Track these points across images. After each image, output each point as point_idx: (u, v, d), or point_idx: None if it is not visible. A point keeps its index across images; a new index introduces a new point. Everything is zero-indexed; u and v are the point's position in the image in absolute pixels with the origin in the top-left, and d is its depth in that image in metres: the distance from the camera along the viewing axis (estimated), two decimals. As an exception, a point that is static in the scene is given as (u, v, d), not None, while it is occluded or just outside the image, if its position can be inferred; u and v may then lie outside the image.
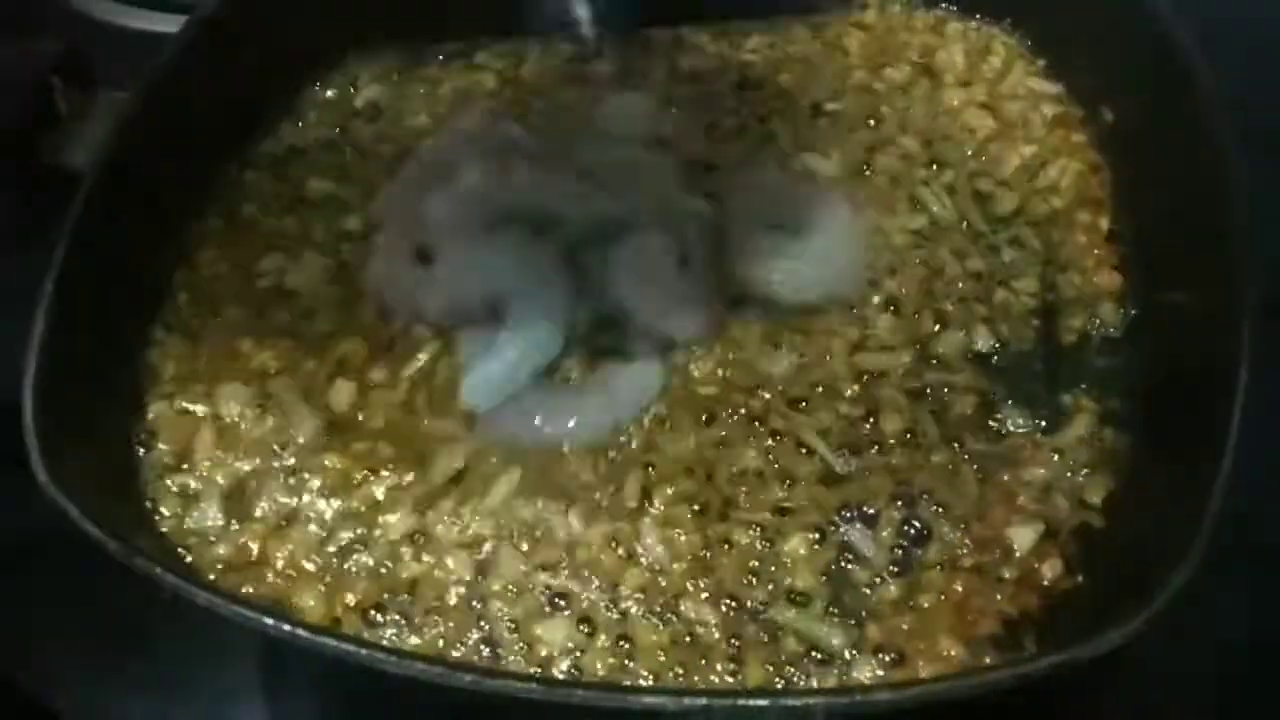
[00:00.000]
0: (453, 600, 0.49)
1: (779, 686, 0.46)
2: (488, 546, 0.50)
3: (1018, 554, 0.50)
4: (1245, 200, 0.51)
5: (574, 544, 0.50)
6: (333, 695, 0.54)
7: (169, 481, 0.52)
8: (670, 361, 0.55)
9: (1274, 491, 0.54)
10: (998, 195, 0.62)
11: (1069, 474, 0.52)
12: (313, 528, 0.51)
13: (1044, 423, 0.54)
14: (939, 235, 0.60)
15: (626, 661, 0.47)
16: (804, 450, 0.53)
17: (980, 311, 0.57)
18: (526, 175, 0.59)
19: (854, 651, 0.47)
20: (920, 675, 0.46)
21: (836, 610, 0.48)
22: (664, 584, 0.49)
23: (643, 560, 0.49)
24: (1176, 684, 0.52)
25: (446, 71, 0.68)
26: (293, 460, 0.53)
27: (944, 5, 0.70)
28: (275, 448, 0.53)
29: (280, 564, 0.50)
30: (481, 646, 0.47)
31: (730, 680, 0.47)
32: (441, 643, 0.48)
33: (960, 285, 0.58)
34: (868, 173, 0.63)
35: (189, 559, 0.50)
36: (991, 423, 0.54)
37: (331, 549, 0.50)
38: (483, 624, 0.48)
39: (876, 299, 0.57)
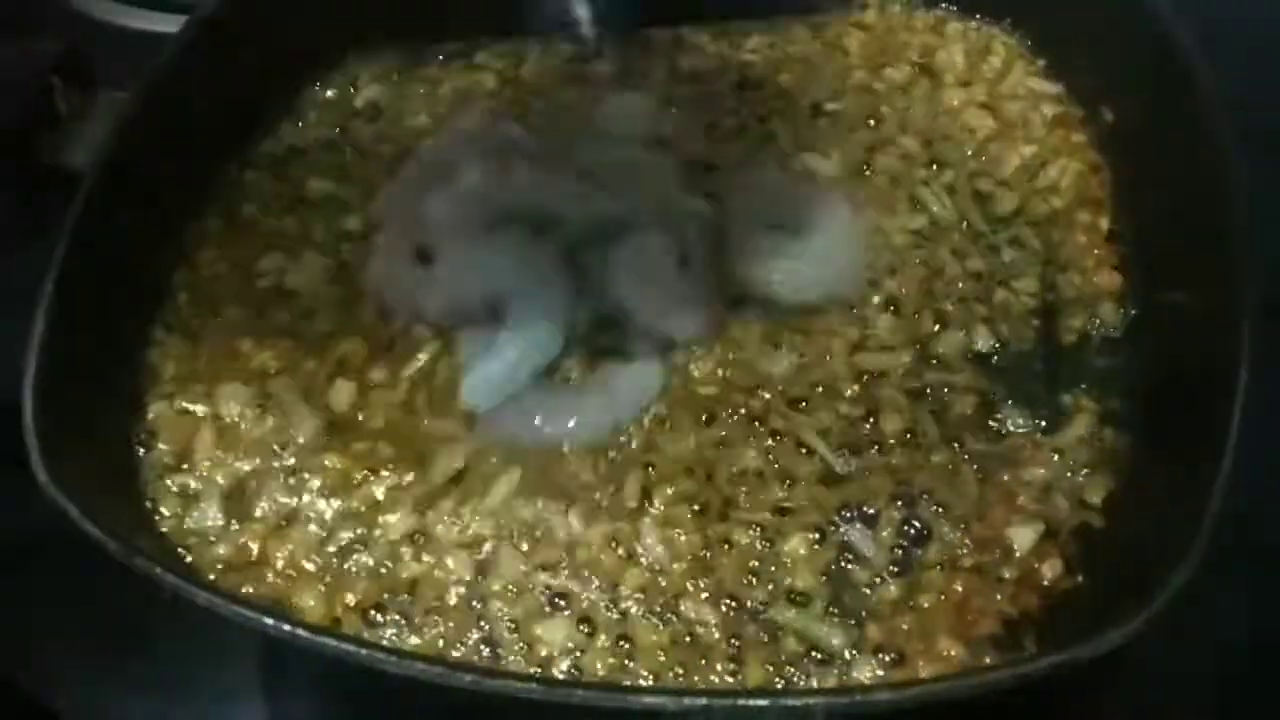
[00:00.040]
0: (453, 600, 0.49)
1: (779, 686, 0.46)
2: (488, 546, 0.50)
3: (1018, 554, 0.50)
4: (1245, 200, 0.51)
5: (574, 544, 0.50)
6: (333, 695, 0.54)
7: (169, 481, 0.52)
8: (670, 361, 0.55)
9: (1274, 491, 0.54)
10: (997, 195, 0.62)
11: (1069, 474, 0.52)
12: (313, 528, 0.51)
13: (1044, 423, 0.54)
14: (939, 235, 0.60)
15: (626, 661, 0.47)
16: (804, 450, 0.53)
17: (980, 311, 0.57)
18: (526, 175, 0.59)
19: (854, 651, 0.47)
20: (920, 675, 0.46)
21: (836, 610, 0.48)
22: (664, 584, 0.49)
23: (643, 560, 0.49)
24: (1176, 684, 0.52)
25: (446, 71, 0.68)
26: (293, 460, 0.53)
27: (944, 5, 0.70)
28: (275, 448, 0.53)
29: (280, 564, 0.50)
30: (481, 646, 0.47)
31: (730, 680, 0.47)
32: (441, 643, 0.48)
33: (960, 285, 0.58)
34: (868, 173, 0.63)
35: (189, 559, 0.50)
36: (991, 423, 0.54)
37: (331, 549, 0.50)
38: (483, 624, 0.48)
39: (876, 299, 0.57)
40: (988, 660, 0.47)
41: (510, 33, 0.68)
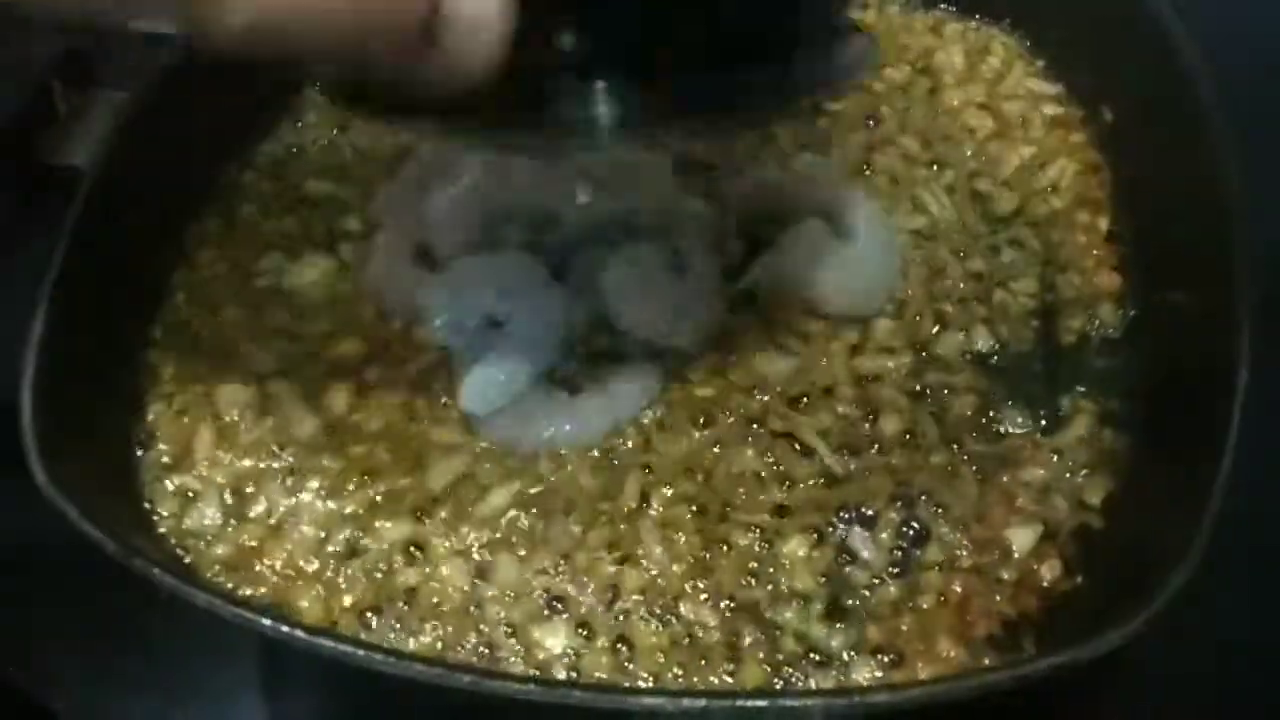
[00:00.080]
0: (450, 604, 0.48)
1: (778, 688, 0.46)
2: (485, 550, 0.50)
3: (1017, 555, 0.49)
4: (1245, 201, 0.51)
5: (572, 547, 0.50)
6: (333, 696, 0.54)
7: (168, 482, 0.52)
8: (669, 363, 0.55)
9: (1274, 492, 0.54)
10: (997, 196, 0.62)
11: (1068, 475, 0.52)
12: (311, 529, 0.51)
13: (1043, 423, 0.54)
14: (939, 236, 0.60)
15: (626, 664, 0.47)
16: (803, 452, 0.52)
17: (980, 312, 0.57)
18: (526, 175, 0.59)
19: (853, 653, 0.47)
20: (919, 676, 0.46)
21: (835, 611, 0.48)
22: (663, 585, 0.49)
23: (642, 562, 0.49)
24: (1176, 685, 0.52)
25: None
26: (291, 461, 0.52)
27: (943, 6, 0.70)
28: (274, 448, 0.53)
29: (279, 565, 0.50)
30: (480, 649, 0.47)
31: (729, 682, 0.46)
32: (440, 645, 0.47)
33: (960, 286, 0.58)
34: (868, 173, 0.63)
35: (187, 559, 0.50)
36: (991, 424, 0.54)
37: (330, 551, 0.50)
38: (481, 627, 0.48)
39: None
40: (987, 661, 0.47)
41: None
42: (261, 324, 0.57)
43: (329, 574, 0.49)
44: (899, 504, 0.51)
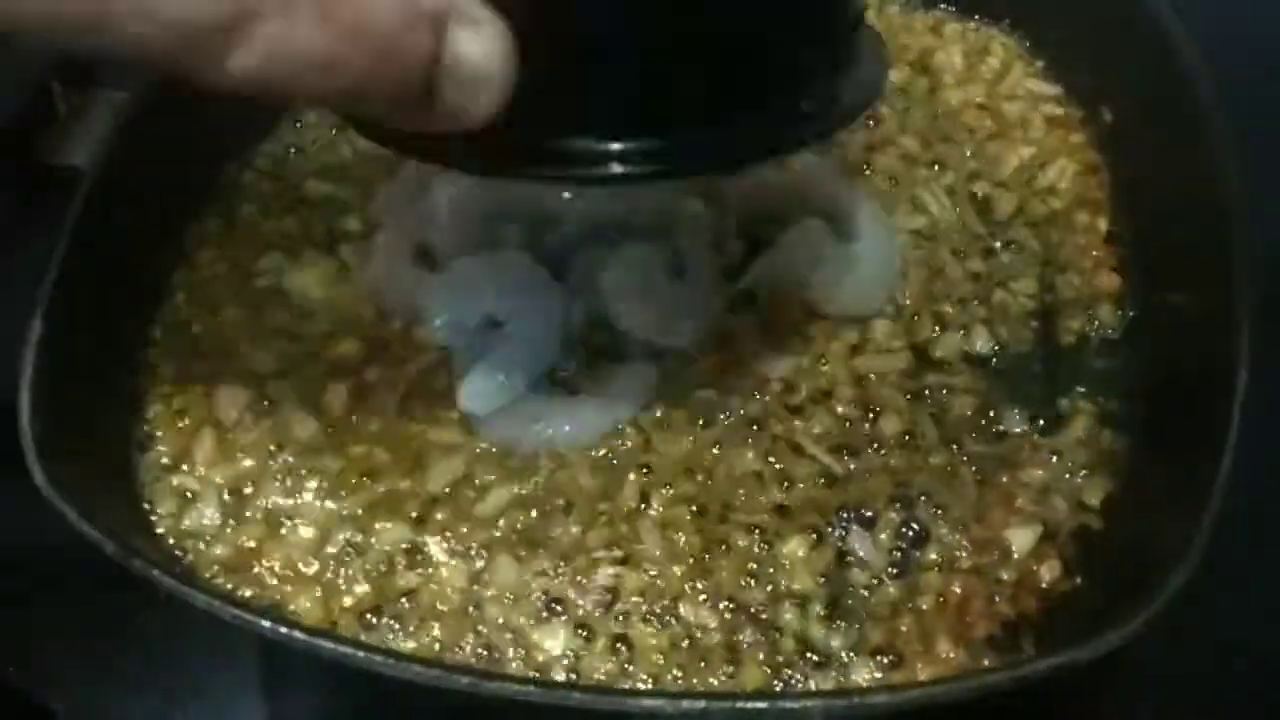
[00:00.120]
0: (450, 605, 0.48)
1: (777, 689, 0.46)
2: (485, 551, 0.50)
3: (1016, 556, 0.49)
4: (1244, 201, 0.51)
5: (572, 548, 0.50)
6: (332, 696, 0.54)
7: (167, 482, 0.52)
8: (668, 363, 0.55)
9: (1274, 492, 0.54)
10: (996, 196, 0.62)
11: (1068, 475, 0.52)
12: (310, 530, 0.51)
13: (1042, 424, 0.54)
14: (938, 236, 0.60)
15: (625, 665, 0.47)
16: (802, 452, 0.52)
17: (979, 313, 0.57)
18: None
19: (852, 654, 0.47)
20: (918, 677, 0.46)
21: (835, 612, 0.48)
22: (662, 586, 0.49)
23: (641, 563, 0.49)
24: (1176, 685, 0.52)
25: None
26: (290, 462, 0.52)
27: (942, 6, 0.70)
28: (273, 448, 0.53)
29: (278, 566, 0.50)
30: (480, 650, 0.47)
31: (729, 683, 0.46)
32: (439, 647, 0.47)
33: (959, 287, 0.58)
34: (867, 173, 0.63)
35: (187, 560, 0.50)
36: (990, 424, 0.54)
37: (329, 552, 0.50)
38: (480, 628, 0.48)
39: (876, 301, 0.57)
40: (986, 662, 0.47)
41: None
42: (261, 324, 0.57)
43: (328, 575, 0.49)
44: (898, 505, 0.51)
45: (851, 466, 0.52)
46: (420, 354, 0.55)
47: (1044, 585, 0.49)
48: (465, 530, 0.50)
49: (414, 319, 0.56)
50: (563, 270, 0.56)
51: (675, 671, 0.47)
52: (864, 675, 0.47)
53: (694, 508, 0.51)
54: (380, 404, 0.54)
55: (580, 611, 0.48)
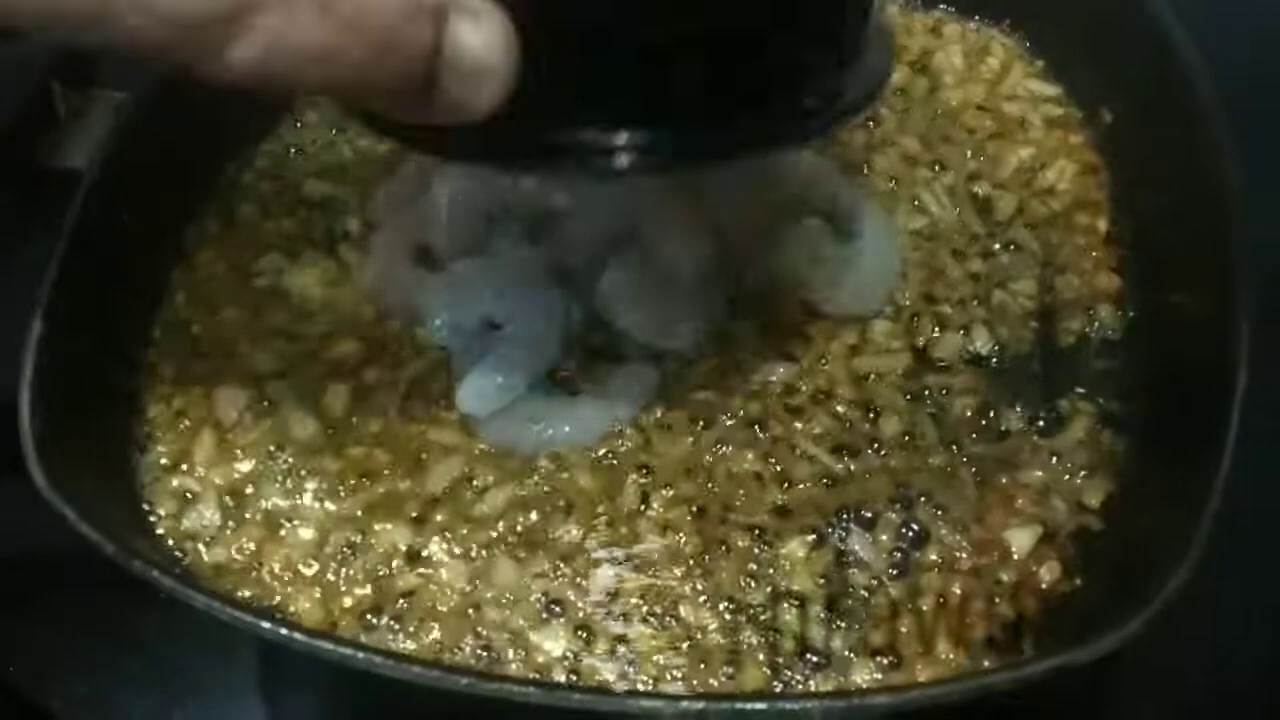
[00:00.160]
0: (449, 606, 0.48)
1: (777, 690, 0.46)
2: (484, 552, 0.50)
3: (1016, 557, 0.49)
4: (1244, 202, 0.51)
5: (571, 549, 0.50)
6: (331, 697, 0.54)
7: (166, 483, 0.52)
8: (668, 363, 0.55)
9: (1273, 492, 0.53)
10: (996, 197, 0.62)
11: (1067, 476, 0.52)
12: (309, 531, 0.51)
13: (1042, 425, 0.54)
14: (938, 237, 0.60)
15: (625, 667, 0.47)
16: (802, 453, 0.52)
17: (979, 313, 0.57)
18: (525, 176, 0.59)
19: (852, 654, 0.47)
20: (918, 678, 0.46)
21: (834, 613, 0.48)
22: (662, 587, 0.49)
23: (641, 564, 0.49)
24: (1175, 686, 0.52)
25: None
26: (290, 462, 0.52)
27: (943, 6, 0.70)
28: (272, 449, 0.53)
29: (277, 567, 0.50)
30: (479, 651, 0.47)
31: (729, 684, 0.46)
32: (438, 648, 0.47)
33: (959, 287, 0.58)
34: (867, 173, 0.63)
35: (186, 561, 0.50)
36: (990, 425, 0.54)
37: (328, 552, 0.50)
38: (480, 630, 0.48)
39: (876, 301, 0.57)
40: (986, 663, 0.47)
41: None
42: (260, 324, 0.57)
43: (328, 576, 0.49)
44: (898, 505, 0.51)
45: (851, 467, 0.52)
46: (419, 355, 0.55)
47: (1044, 586, 0.49)
48: (465, 531, 0.50)
49: (413, 320, 0.56)
50: (561, 271, 0.56)
51: (675, 673, 0.47)
52: (864, 676, 0.47)
53: (694, 508, 0.51)
54: (380, 405, 0.54)
55: (580, 613, 0.48)
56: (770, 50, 0.40)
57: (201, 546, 0.50)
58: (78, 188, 0.53)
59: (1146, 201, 0.59)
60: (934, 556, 0.50)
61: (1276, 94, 0.69)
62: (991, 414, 0.54)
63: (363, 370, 0.55)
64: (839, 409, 0.54)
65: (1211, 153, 0.53)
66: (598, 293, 0.55)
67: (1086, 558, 0.49)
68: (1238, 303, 0.48)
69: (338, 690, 0.53)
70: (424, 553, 0.50)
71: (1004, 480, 0.52)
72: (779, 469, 0.52)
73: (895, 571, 0.49)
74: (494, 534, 0.50)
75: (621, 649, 0.47)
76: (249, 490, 0.52)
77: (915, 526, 0.51)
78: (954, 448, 0.53)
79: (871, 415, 0.54)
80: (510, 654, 0.47)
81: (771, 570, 0.49)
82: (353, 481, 0.52)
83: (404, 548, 0.50)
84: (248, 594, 0.49)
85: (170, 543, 0.50)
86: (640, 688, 0.46)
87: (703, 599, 0.48)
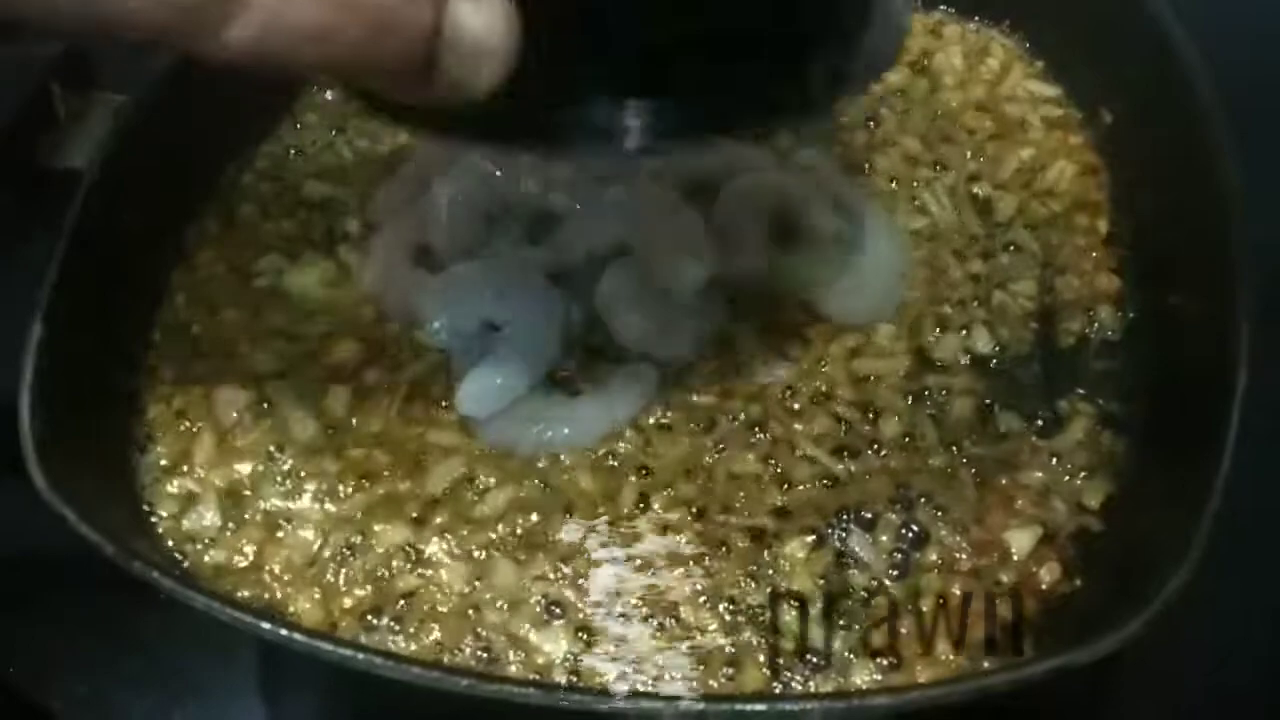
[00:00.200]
0: (450, 607, 0.48)
1: (776, 691, 0.46)
2: (484, 553, 0.50)
3: (1016, 557, 0.49)
4: (1243, 202, 0.51)
5: (571, 550, 0.50)
6: (331, 697, 0.54)
7: (166, 484, 0.52)
8: (668, 366, 0.54)
9: (1273, 494, 0.53)
10: (996, 197, 0.62)
11: (1067, 477, 0.52)
12: (309, 532, 0.51)
13: (1042, 425, 0.54)
14: (938, 237, 0.60)
15: (625, 667, 0.47)
16: (802, 454, 0.52)
17: (979, 314, 0.57)
18: (525, 176, 0.59)
19: (852, 655, 0.47)
20: (918, 679, 0.46)
21: (834, 614, 0.48)
22: (662, 588, 0.49)
23: (641, 564, 0.49)
24: (1175, 687, 0.52)
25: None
26: (290, 464, 0.52)
27: (943, 7, 0.70)
28: (272, 450, 0.53)
29: (277, 568, 0.50)
30: (480, 652, 0.47)
31: (728, 684, 0.46)
32: (439, 649, 0.47)
33: (960, 288, 0.58)
34: (868, 174, 0.63)
35: (186, 562, 0.50)
36: (990, 426, 0.54)
37: (328, 553, 0.50)
38: (480, 630, 0.48)
39: (876, 302, 0.57)
40: (986, 664, 0.47)
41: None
42: (260, 325, 0.57)
43: (328, 577, 0.49)
44: (898, 506, 0.51)
45: (851, 468, 0.52)
46: (419, 356, 0.55)
47: (1043, 587, 0.49)
48: (465, 532, 0.50)
49: (412, 321, 0.56)
50: (561, 273, 0.56)
51: (675, 673, 0.47)
52: (863, 677, 0.47)
53: (694, 509, 0.51)
54: (380, 406, 0.54)
55: (580, 614, 0.48)
56: (771, 19, 0.40)
57: (201, 547, 0.50)
58: (78, 188, 0.53)
59: (1146, 202, 0.59)
60: (934, 557, 0.50)
61: (1276, 94, 0.69)
62: (991, 415, 0.54)
63: (363, 371, 0.55)
64: (839, 410, 0.54)
65: (1211, 153, 0.53)
66: (597, 294, 0.55)
67: (1086, 558, 0.49)
68: (1238, 303, 0.48)
69: (338, 691, 0.53)
70: (424, 554, 0.50)
71: (1004, 481, 0.52)
72: (779, 470, 0.52)
73: (895, 572, 0.49)
74: (494, 535, 0.50)
75: (621, 649, 0.47)
76: (249, 491, 0.52)
77: (915, 527, 0.51)
78: (954, 449, 0.53)
79: (871, 416, 0.54)
80: (510, 655, 0.47)
81: (771, 571, 0.49)
82: (353, 482, 0.52)
83: (404, 549, 0.50)
84: (248, 595, 0.49)
85: (170, 543, 0.50)
86: (640, 688, 0.46)
87: (703, 599, 0.48)
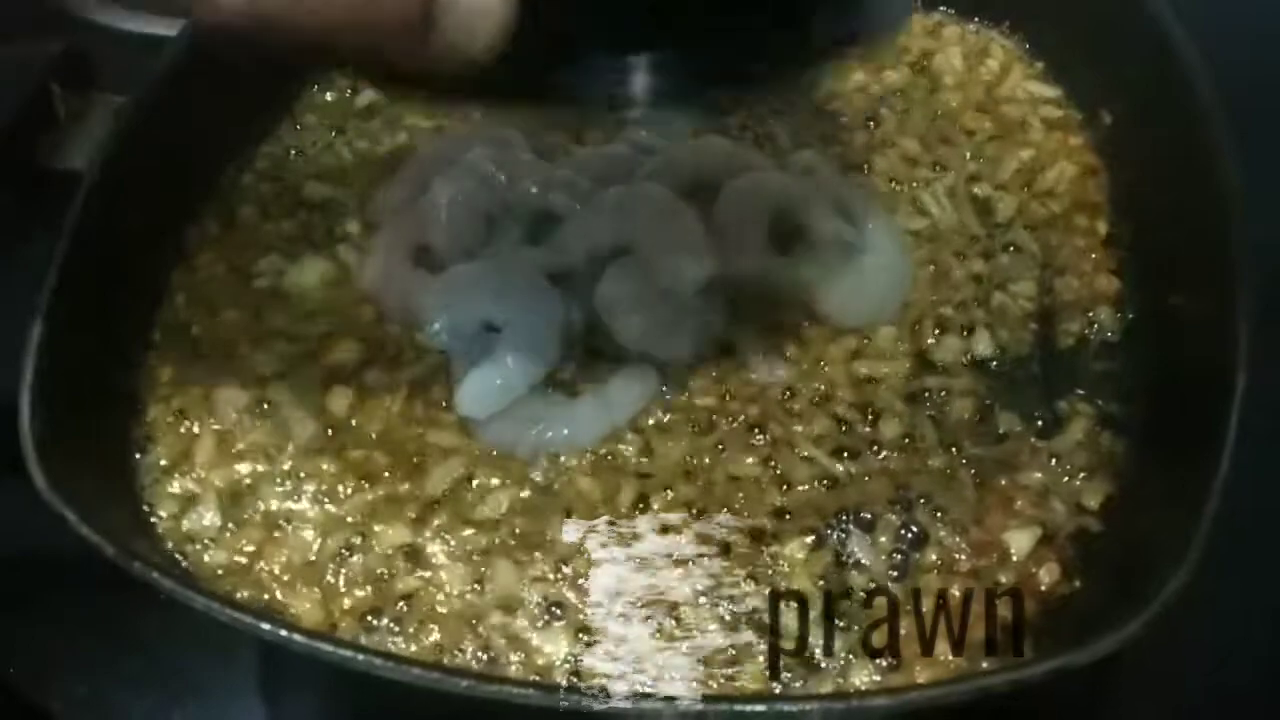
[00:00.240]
0: (449, 608, 0.48)
1: (776, 692, 0.46)
2: (484, 554, 0.50)
3: (1015, 558, 0.49)
4: (1243, 203, 0.51)
5: (571, 551, 0.50)
6: (331, 698, 0.54)
7: (166, 485, 0.52)
8: (668, 367, 0.55)
9: (1272, 494, 0.53)
10: (996, 198, 0.62)
11: (1066, 478, 0.52)
12: (309, 533, 0.51)
13: (1041, 426, 0.54)
14: (938, 238, 0.60)
15: (625, 668, 0.47)
16: (802, 455, 0.52)
17: (979, 316, 0.57)
18: (525, 177, 0.59)
19: (851, 656, 0.47)
20: (917, 680, 0.46)
21: (834, 614, 0.48)
22: (662, 589, 0.49)
23: (640, 566, 0.49)
24: (1174, 688, 0.52)
25: (445, 73, 0.68)
26: (290, 464, 0.52)
27: (942, 8, 0.70)
28: (272, 451, 0.53)
29: (277, 568, 0.50)
30: (479, 653, 0.47)
31: (728, 685, 0.46)
32: (438, 649, 0.47)
33: (960, 289, 0.58)
34: (868, 174, 0.63)
35: (186, 562, 0.50)
36: (989, 427, 0.54)
37: (328, 554, 0.50)
38: (480, 631, 0.48)
39: (875, 303, 0.57)
40: (985, 665, 0.47)
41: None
42: (260, 326, 0.57)
43: (328, 577, 0.50)
44: (898, 507, 0.51)
45: (851, 469, 0.52)
46: (419, 357, 0.56)
47: (1043, 588, 0.49)
48: (464, 533, 0.50)
49: (412, 322, 0.56)
50: (560, 274, 0.56)
51: (675, 673, 0.47)
52: (863, 678, 0.47)
53: (694, 510, 0.51)
54: (379, 407, 0.54)
55: (580, 614, 0.48)
56: None
57: (201, 547, 0.50)
58: (78, 188, 0.53)
59: (1146, 203, 0.59)
60: (933, 558, 0.50)
61: (1276, 94, 0.69)
62: (990, 416, 0.54)
63: (363, 372, 0.55)
64: (839, 411, 0.54)
65: (1211, 153, 0.53)
66: (597, 294, 0.55)
67: (1085, 559, 0.50)
68: (1238, 303, 0.48)
69: (337, 691, 0.53)
70: (424, 554, 0.50)
71: (1003, 482, 0.52)
72: (779, 471, 0.52)
73: (895, 573, 0.49)
74: (494, 536, 0.50)
75: (621, 650, 0.47)
76: (249, 492, 0.52)
77: (915, 528, 0.51)
78: (953, 450, 0.53)
79: (871, 417, 0.54)
80: (510, 655, 0.47)
81: (771, 571, 0.49)
82: (352, 483, 0.52)
83: (404, 549, 0.50)
84: (247, 595, 0.49)
85: (170, 544, 0.50)
86: (640, 688, 0.46)
87: (703, 599, 0.48)
